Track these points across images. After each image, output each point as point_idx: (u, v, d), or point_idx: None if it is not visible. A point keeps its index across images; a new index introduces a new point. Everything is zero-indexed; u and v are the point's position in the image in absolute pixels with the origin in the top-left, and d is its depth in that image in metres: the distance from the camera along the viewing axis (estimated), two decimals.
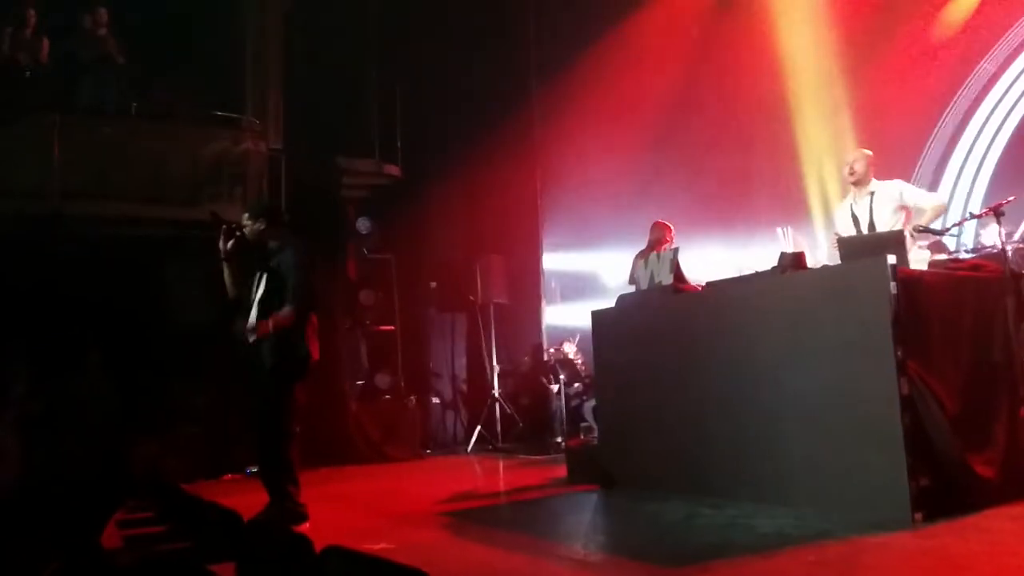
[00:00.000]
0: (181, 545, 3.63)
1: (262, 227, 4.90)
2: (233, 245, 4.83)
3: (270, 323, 4.66)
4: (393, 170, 10.26)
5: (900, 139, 8.53)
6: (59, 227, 8.31)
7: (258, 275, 4.85)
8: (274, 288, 4.75)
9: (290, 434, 4.73)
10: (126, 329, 8.34)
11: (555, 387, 9.38)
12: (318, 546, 2.70)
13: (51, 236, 8.26)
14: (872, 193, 5.22)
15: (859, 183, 5.26)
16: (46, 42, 9.25)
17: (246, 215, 4.97)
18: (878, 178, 5.33)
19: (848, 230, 5.26)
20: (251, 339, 4.71)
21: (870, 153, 5.35)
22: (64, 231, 8.35)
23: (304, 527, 4.46)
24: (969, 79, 8.96)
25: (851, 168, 5.29)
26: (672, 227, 7.35)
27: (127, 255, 8.52)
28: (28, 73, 9.00)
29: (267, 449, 4.72)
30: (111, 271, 8.31)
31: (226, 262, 4.86)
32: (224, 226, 4.90)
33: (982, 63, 9.01)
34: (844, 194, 5.64)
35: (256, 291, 4.83)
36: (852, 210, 5.29)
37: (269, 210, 5.15)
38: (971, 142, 10.50)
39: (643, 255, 6.33)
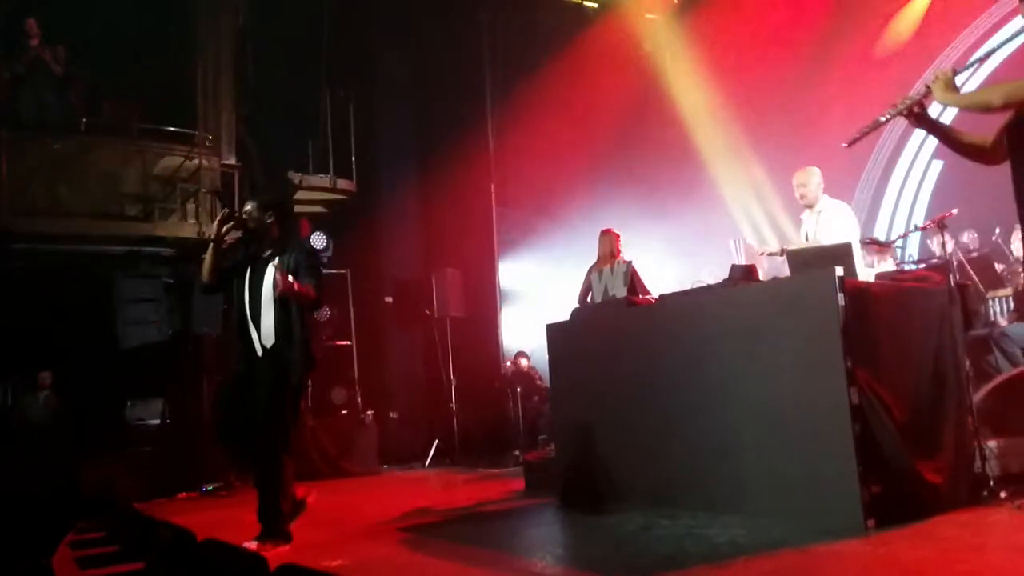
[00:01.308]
0: (133, 566, 3.58)
1: (271, 220, 4.69)
2: (227, 230, 4.62)
3: (296, 286, 4.38)
4: (347, 185, 10.24)
5: (846, 150, 8.70)
6: (7, 245, 8.15)
7: (254, 271, 4.62)
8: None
9: (292, 448, 4.54)
10: (77, 347, 8.20)
11: (512, 401, 9.39)
12: (273, 564, 2.68)
13: (0, 254, 8.10)
14: (819, 212, 5.31)
15: (810, 204, 5.34)
16: None
17: (254, 204, 4.73)
18: (828, 193, 5.42)
19: (800, 242, 5.36)
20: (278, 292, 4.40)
21: (816, 170, 5.41)
22: (13, 249, 8.19)
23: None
24: (914, 88, 9.21)
25: (800, 192, 5.35)
26: (620, 235, 7.40)
27: (78, 272, 8.39)
28: None
29: (271, 463, 4.43)
30: (62, 289, 8.17)
31: (214, 244, 4.63)
32: (225, 210, 4.75)
33: (927, 72, 9.24)
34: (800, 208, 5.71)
35: (258, 290, 4.57)
36: (805, 227, 5.39)
37: (279, 204, 4.93)
38: (914, 152, 10.73)
39: (597, 268, 6.38)
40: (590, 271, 6.82)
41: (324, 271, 5.08)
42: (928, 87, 3.05)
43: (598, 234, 7.44)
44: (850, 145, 3.36)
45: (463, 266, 10.33)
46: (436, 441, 9.65)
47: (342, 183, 10.12)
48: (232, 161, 9.67)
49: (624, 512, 4.86)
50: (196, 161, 9.26)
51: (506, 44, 10.51)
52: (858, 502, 3.81)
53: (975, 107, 2.92)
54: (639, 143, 9.71)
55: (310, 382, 4.77)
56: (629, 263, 5.56)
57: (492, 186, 10.49)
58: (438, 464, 9.43)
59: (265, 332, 4.49)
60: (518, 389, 9.34)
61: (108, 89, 9.51)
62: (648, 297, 5.50)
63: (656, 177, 9.64)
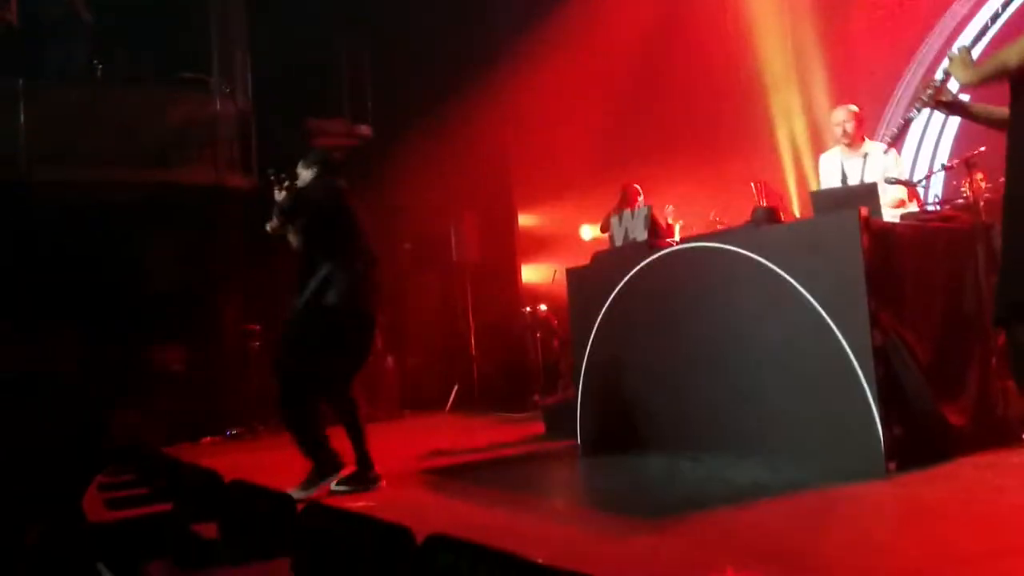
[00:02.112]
0: (163, 507, 3.64)
1: (313, 175, 4.74)
2: (286, 198, 4.66)
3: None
4: (364, 130, 10.18)
5: (869, 91, 8.51)
6: (28, 193, 8.19)
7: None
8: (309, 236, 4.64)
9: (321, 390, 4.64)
10: (101, 294, 8.27)
11: (531, 345, 9.42)
12: (299, 505, 2.71)
13: (20, 202, 8.13)
14: (866, 155, 5.16)
15: (852, 143, 5.20)
16: (14, 5, 9.03)
17: (299, 164, 4.78)
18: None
19: (834, 183, 5.21)
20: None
21: (856, 110, 5.27)
22: (33, 197, 8.23)
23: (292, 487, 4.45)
24: (938, 24, 8.90)
25: (843, 129, 5.20)
26: (640, 190, 7.37)
27: (98, 220, 8.43)
28: None
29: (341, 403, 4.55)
30: (83, 236, 8.22)
31: (282, 217, 4.68)
32: (272, 176, 4.73)
33: (953, 5, 8.93)
34: (826, 147, 5.57)
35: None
36: (843, 167, 5.22)
37: (322, 158, 4.90)
38: None
39: (616, 212, 6.34)
40: (610, 215, 6.78)
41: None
42: (947, 72, 3.01)
43: (615, 177, 7.41)
44: (892, 144, 3.32)
45: (481, 210, 10.29)
46: (456, 386, 9.72)
47: (359, 128, 10.06)
48: (248, 107, 9.62)
49: (645, 455, 4.90)
50: (212, 107, 9.22)
51: None
52: (880, 444, 3.81)
53: (994, 74, 2.88)
54: (656, 85, 9.55)
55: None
56: (649, 207, 5.51)
57: (508, 128, 10.39)
58: (458, 409, 9.51)
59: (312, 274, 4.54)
60: (537, 334, 9.37)
61: (123, 36, 9.45)
62: (669, 240, 5.46)
63: (675, 121, 9.50)
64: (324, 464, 4.41)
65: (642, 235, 5.38)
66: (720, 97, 9.23)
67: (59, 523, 3.60)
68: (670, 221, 6.90)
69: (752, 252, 4.59)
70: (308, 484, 4.34)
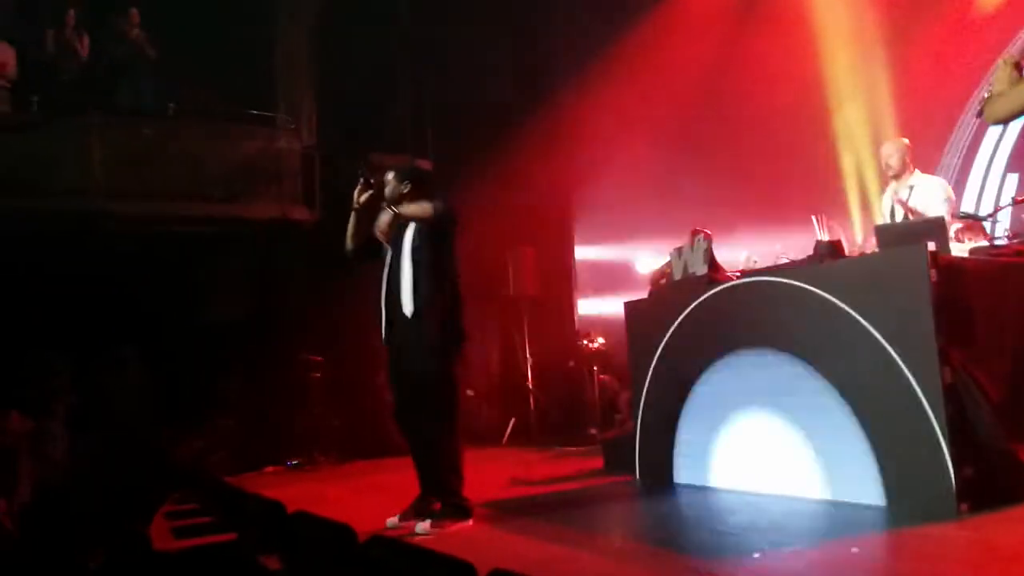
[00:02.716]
0: (227, 536, 3.69)
1: (406, 190, 4.66)
2: (367, 199, 4.64)
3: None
4: (425, 164, 10.31)
5: (932, 120, 8.35)
6: (99, 225, 8.48)
7: (396, 240, 4.64)
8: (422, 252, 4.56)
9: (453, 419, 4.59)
10: (167, 325, 8.48)
11: (588, 379, 9.37)
12: (361, 537, 2.73)
13: (92, 234, 8.42)
14: (911, 187, 5.11)
15: (897, 176, 5.15)
16: (86, 40, 9.45)
17: (391, 173, 4.72)
18: (918, 166, 5.23)
19: (884, 218, 5.19)
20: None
21: (906, 142, 5.22)
22: (104, 229, 8.52)
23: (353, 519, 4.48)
24: (1008, 50, 8.69)
25: (886, 163, 5.17)
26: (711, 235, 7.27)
27: (166, 252, 8.69)
28: (66, 75, 9.21)
29: (426, 435, 4.51)
30: (150, 268, 8.47)
31: (355, 212, 4.68)
32: (362, 179, 4.70)
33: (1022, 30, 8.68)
34: (884, 184, 5.53)
35: (397, 259, 4.58)
36: (894, 201, 5.19)
37: (416, 174, 4.85)
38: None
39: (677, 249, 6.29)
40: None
41: None
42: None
43: (675, 214, 7.35)
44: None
45: (539, 244, 10.32)
46: (513, 419, 9.70)
47: (419, 162, 10.20)
48: (312, 142, 9.85)
49: (702, 492, 4.82)
50: (278, 143, 9.47)
51: (583, 18, 10.41)
52: (951, 485, 3.70)
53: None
54: (718, 119, 9.52)
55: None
56: (709, 239, 5.48)
57: (568, 163, 10.43)
58: (515, 442, 9.48)
59: (405, 299, 4.47)
60: (594, 367, 9.32)
61: (191, 73, 9.78)
62: (730, 273, 5.41)
63: (735, 154, 9.44)
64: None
65: (701, 269, 5.35)
66: (785, 130, 9.14)
67: (124, 548, 3.68)
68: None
69: (815, 286, 4.52)
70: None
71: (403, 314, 4.46)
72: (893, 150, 5.15)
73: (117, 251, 8.50)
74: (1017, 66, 2.62)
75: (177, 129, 9.26)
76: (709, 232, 7.18)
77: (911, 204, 5.01)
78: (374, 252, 4.73)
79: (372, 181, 4.67)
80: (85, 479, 6.54)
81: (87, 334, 8.10)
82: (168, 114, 9.36)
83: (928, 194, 5.06)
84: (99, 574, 3.33)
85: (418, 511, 4.40)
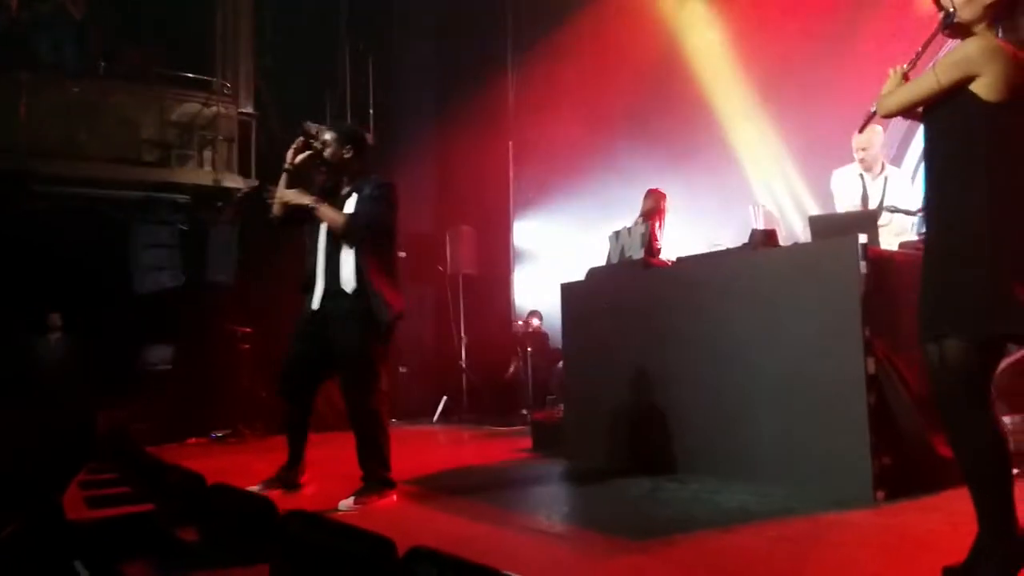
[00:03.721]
0: (144, 507, 3.60)
1: (348, 154, 4.44)
2: (303, 160, 4.40)
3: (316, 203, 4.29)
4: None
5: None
6: (24, 186, 8.18)
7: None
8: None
9: (383, 393, 4.38)
10: (92, 291, 8.24)
11: (522, 360, 9.39)
12: (282, 511, 2.68)
13: (17, 194, 8.12)
14: (886, 178, 5.13)
15: (870, 168, 5.17)
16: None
17: (332, 134, 4.45)
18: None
19: (852, 203, 5.18)
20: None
21: (880, 130, 5.21)
22: (29, 191, 8.22)
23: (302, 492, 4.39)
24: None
25: (861, 156, 5.14)
26: (666, 195, 7.22)
27: (93, 216, 8.42)
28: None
29: (362, 408, 4.31)
30: (77, 232, 8.20)
31: (286, 173, 4.42)
32: (301, 139, 4.44)
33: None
34: (840, 164, 5.52)
35: (330, 233, 4.35)
36: (864, 188, 5.17)
37: (359, 137, 4.57)
38: None
39: (645, 219, 6.30)
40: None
41: None
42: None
43: (615, 194, 7.37)
44: (861, 131, 3.31)
45: (478, 224, 10.29)
46: (445, 398, 9.68)
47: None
48: (249, 110, 9.63)
49: (631, 474, 4.87)
50: (213, 108, 9.23)
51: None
52: (869, 473, 3.79)
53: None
54: (658, 104, 9.57)
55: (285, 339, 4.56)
56: (648, 223, 5.51)
57: (510, 143, 10.39)
58: (446, 420, 9.47)
59: (346, 275, 4.29)
60: (528, 348, 9.34)
61: (127, 34, 9.48)
62: (664, 259, 5.45)
63: (674, 139, 9.51)
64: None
65: (638, 253, 5.38)
66: (723, 115, 9.23)
67: (37, 518, 3.56)
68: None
69: (747, 274, 4.58)
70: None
71: (341, 287, 4.31)
72: (868, 140, 5.11)
73: (43, 213, 8.22)
74: (905, 76, 2.78)
75: (108, 89, 8.96)
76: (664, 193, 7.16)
77: (887, 198, 5.03)
78: (301, 219, 4.47)
79: (312, 141, 4.44)
80: (2, 447, 6.33)
81: (9, 298, 7.83)
82: (99, 74, 9.04)
83: (902, 188, 5.09)
84: (9, 542, 3.21)
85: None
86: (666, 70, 9.39)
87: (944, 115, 2.58)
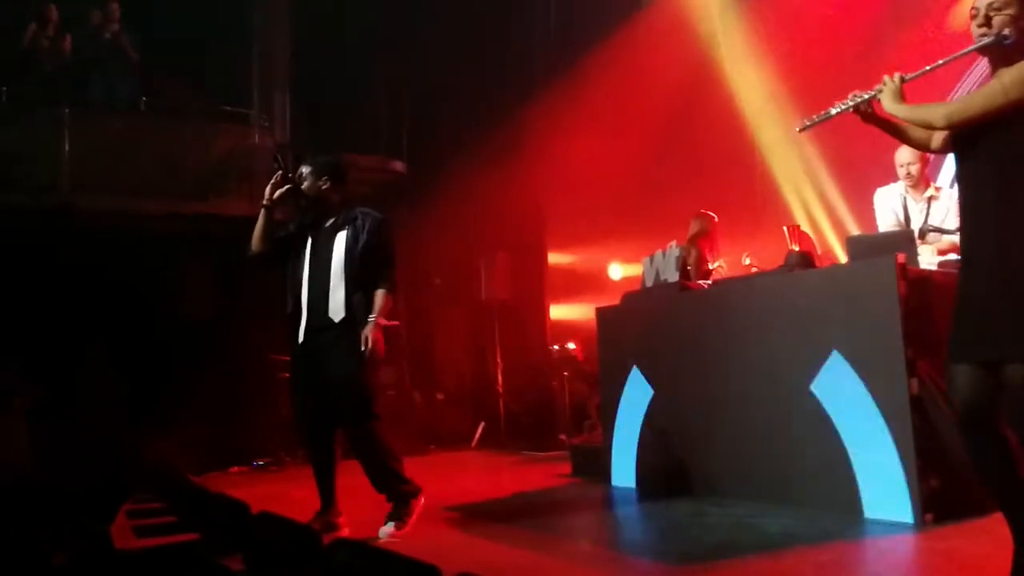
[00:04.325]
0: (190, 536, 3.64)
1: (325, 186, 4.43)
2: (281, 194, 4.41)
3: (378, 324, 4.30)
4: (398, 166, 10.29)
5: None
6: (69, 220, 8.36)
7: (317, 242, 4.41)
8: (363, 260, 4.32)
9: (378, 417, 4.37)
10: (134, 323, 8.38)
11: (559, 385, 9.37)
12: (326, 539, 2.70)
13: (60, 229, 8.30)
14: (930, 199, 5.08)
15: (916, 186, 5.12)
16: (68, 37, 9.33)
17: (307, 169, 4.46)
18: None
19: (893, 223, 5.11)
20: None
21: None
22: (73, 224, 8.40)
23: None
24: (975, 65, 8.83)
25: (907, 171, 5.09)
26: (715, 216, 7.16)
27: (135, 249, 8.58)
28: (43, 69, 9.09)
29: (360, 433, 4.30)
30: (119, 265, 8.36)
31: (266, 209, 4.44)
32: (280, 172, 4.45)
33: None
34: (870, 188, 5.46)
35: (326, 261, 4.35)
36: (906, 209, 5.11)
37: (334, 168, 4.55)
38: None
39: (691, 244, 6.27)
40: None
41: None
42: (877, 94, 2.97)
43: (648, 220, 7.36)
44: (801, 131, 3.26)
45: (512, 249, 10.32)
46: (482, 424, 9.68)
47: (393, 164, 10.18)
48: (286, 141, 9.79)
49: (672, 499, 4.84)
50: (251, 141, 9.40)
51: (558, 25, 10.45)
52: (916, 496, 3.74)
53: (917, 123, 2.87)
54: (690, 128, 9.58)
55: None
56: (682, 247, 5.50)
57: (542, 168, 10.44)
58: (484, 446, 9.46)
59: (335, 305, 4.28)
60: (564, 373, 9.32)
61: (165, 69, 9.70)
62: (701, 282, 5.44)
63: (708, 163, 9.51)
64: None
65: (673, 276, 5.37)
66: (757, 133, 9.20)
67: (87, 548, 3.62)
68: (748, 264, 6.55)
69: (784, 296, 4.56)
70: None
71: (329, 318, 4.29)
72: (914, 157, 5.02)
73: (85, 247, 8.39)
74: (903, 90, 2.81)
75: (148, 125, 9.16)
76: (713, 215, 7.11)
77: (931, 220, 4.96)
78: (281, 255, 4.51)
79: (289, 175, 4.45)
80: (48, 476, 6.44)
81: (54, 331, 7.98)
82: (140, 109, 9.25)
83: (948, 209, 5.02)
84: (60, 573, 3.27)
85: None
86: (698, 89, 9.40)
87: (994, 130, 2.58)
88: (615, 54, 9.58)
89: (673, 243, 6.67)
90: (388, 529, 4.15)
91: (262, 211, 4.49)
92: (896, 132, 3.09)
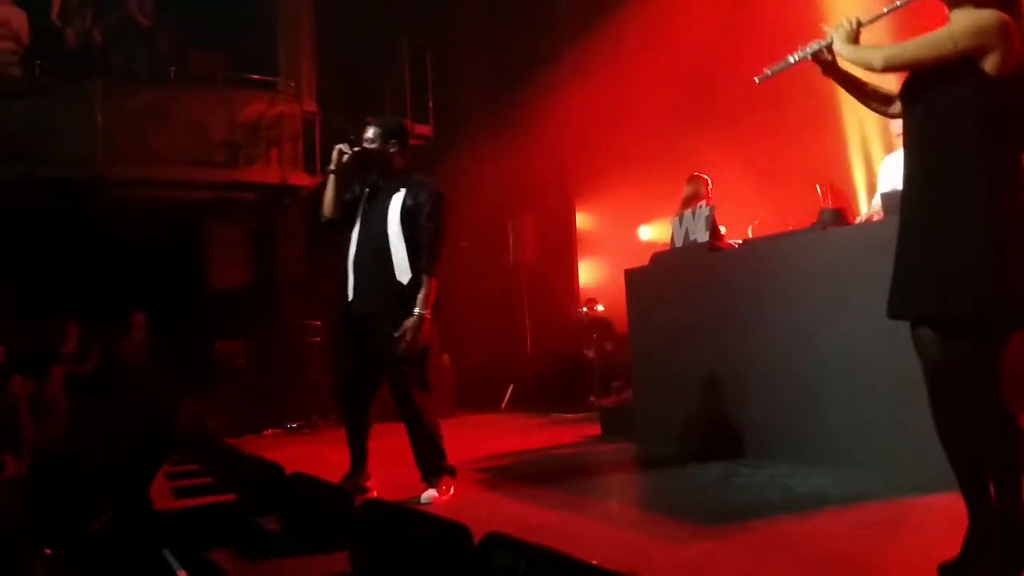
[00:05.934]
0: (226, 497, 3.71)
1: (393, 148, 4.34)
2: (350, 159, 4.30)
3: (424, 318, 4.23)
4: (424, 130, 10.27)
5: None
6: (101, 191, 8.46)
7: (374, 204, 4.34)
8: (415, 226, 4.22)
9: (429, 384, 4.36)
10: (169, 289, 8.50)
11: (587, 346, 9.37)
12: (357, 499, 2.74)
13: (94, 200, 8.40)
14: None
15: None
16: (90, 11, 9.38)
17: (375, 130, 4.34)
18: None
19: (898, 185, 5.06)
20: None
21: None
22: (107, 195, 8.50)
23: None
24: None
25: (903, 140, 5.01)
26: (709, 180, 7.17)
27: (168, 217, 8.68)
28: (73, 42, 9.16)
29: (413, 410, 4.25)
30: (153, 233, 8.47)
31: (334, 175, 4.36)
32: (351, 138, 4.38)
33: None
34: (891, 148, 5.42)
35: (382, 224, 4.26)
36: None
37: (403, 131, 4.51)
38: None
39: (678, 212, 6.25)
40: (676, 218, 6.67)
41: None
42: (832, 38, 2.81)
43: (677, 180, 7.27)
44: (760, 81, 3.12)
45: (539, 211, 10.28)
46: (511, 386, 9.72)
47: (419, 128, 10.15)
48: (312, 108, 9.79)
49: (703, 459, 4.83)
50: (279, 108, 9.42)
51: None
52: None
53: (860, 65, 2.71)
54: (723, 84, 9.42)
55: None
56: (711, 207, 5.45)
57: (569, 130, 10.36)
58: (513, 409, 9.51)
59: (398, 268, 4.21)
60: (593, 335, 9.32)
61: (194, 39, 9.72)
62: (731, 241, 5.39)
63: (739, 121, 9.36)
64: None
65: (703, 236, 5.32)
66: (786, 95, 9.04)
67: (127, 510, 3.70)
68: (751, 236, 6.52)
69: (816, 254, 4.50)
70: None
71: (387, 281, 4.23)
72: None
73: (118, 216, 8.49)
74: (857, 34, 2.65)
75: (178, 94, 9.21)
76: (707, 177, 7.10)
77: None
78: (352, 218, 4.43)
79: (353, 140, 4.38)
80: (89, 441, 6.58)
81: (92, 299, 8.12)
82: (169, 79, 9.30)
83: None
84: (103, 533, 3.35)
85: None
86: (726, 47, 9.23)
87: (935, 85, 2.46)
88: (642, 10, 9.43)
89: (702, 203, 6.61)
90: (431, 493, 4.15)
91: (330, 177, 4.40)
92: (857, 90, 2.93)
